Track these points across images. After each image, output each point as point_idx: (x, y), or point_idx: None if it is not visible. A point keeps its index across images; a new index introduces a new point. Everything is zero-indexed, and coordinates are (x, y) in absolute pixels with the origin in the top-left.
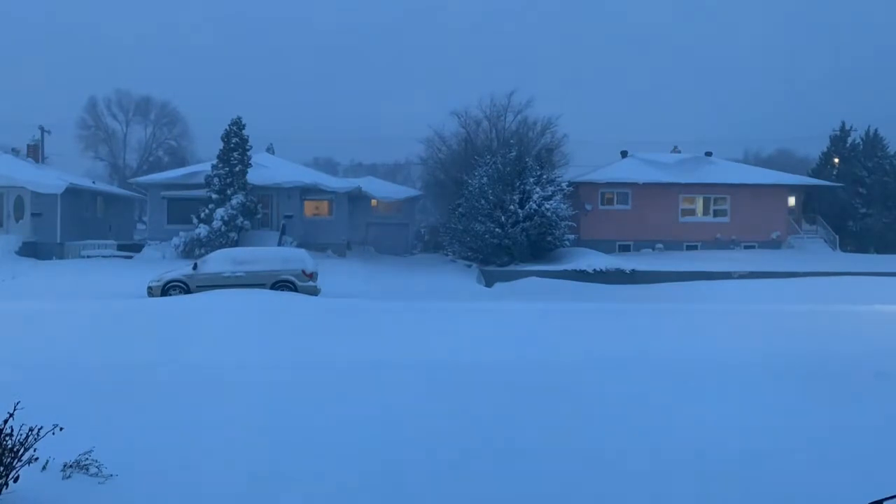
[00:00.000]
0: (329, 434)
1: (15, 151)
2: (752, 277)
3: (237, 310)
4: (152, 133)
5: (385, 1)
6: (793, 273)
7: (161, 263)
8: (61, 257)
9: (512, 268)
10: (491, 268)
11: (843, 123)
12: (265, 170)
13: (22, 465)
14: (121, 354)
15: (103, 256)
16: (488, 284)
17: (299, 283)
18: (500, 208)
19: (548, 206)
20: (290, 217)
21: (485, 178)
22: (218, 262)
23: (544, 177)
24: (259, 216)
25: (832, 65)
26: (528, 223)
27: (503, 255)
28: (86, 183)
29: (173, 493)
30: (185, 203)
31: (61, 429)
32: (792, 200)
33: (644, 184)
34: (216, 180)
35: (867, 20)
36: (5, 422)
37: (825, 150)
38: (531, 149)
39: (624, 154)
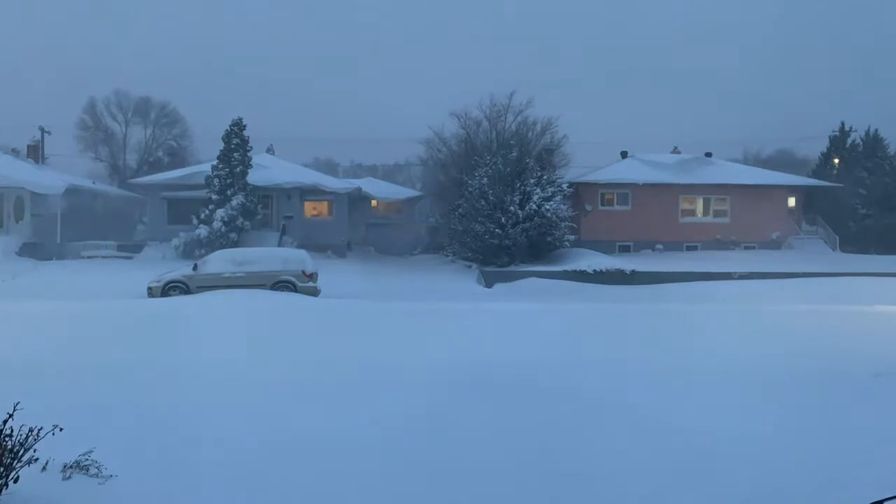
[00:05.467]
0: (329, 434)
1: (15, 152)
2: (752, 278)
3: (237, 310)
4: (152, 133)
5: (386, 1)
6: (793, 273)
7: (161, 264)
8: (61, 258)
9: (512, 268)
10: (491, 268)
11: (843, 124)
12: (265, 170)
13: (22, 466)
14: (121, 354)
15: (103, 257)
16: (488, 285)
17: (299, 284)
18: (500, 209)
19: (548, 207)
20: (290, 218)
21: (485, 179)
22: (218, 262)
23: (544, 177)
24: (259, 217)
25: (832, 65)
26: (527, 224)
27: (503, 255)
28: (86, 183)
29: (173, 493)
30: (185, 203)
31: (61, 429)
32: (792, 201)
33: (644, 184)
34: (216, 181)
35: (867, 20)
36: (5, 422)
37: (825, 150)
38: (531, 149)
39: (624, 154)
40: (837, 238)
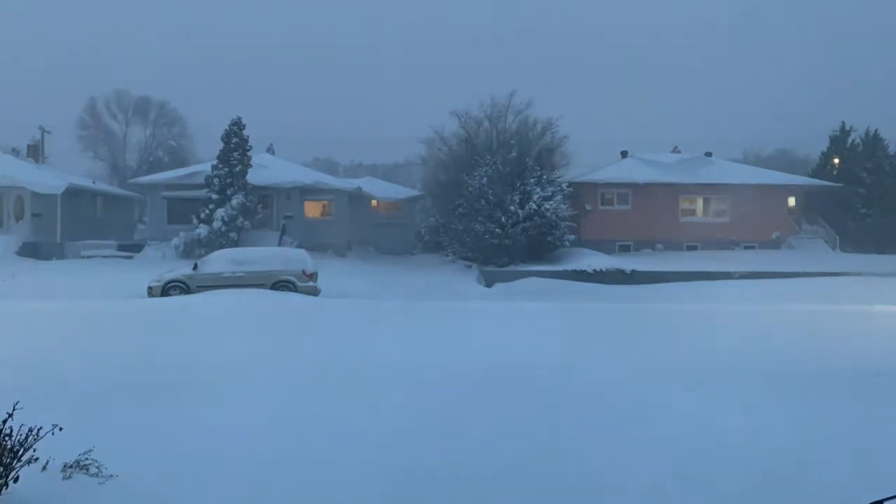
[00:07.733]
0: (330, 434)
1: (15, 151)
2: (752, 277)
3: (237, 310)
4: (152, 133)
5: (386, 1)
6: (793, 273)
7: (161, 263)
8: (61, 257)
9: (512, 268)
10: (491, 268)
11: (844, 124)
12: (265, 170)
13: (22, 466)
14: (121, 354)
15: (103, 256)
16: (488, 285)
17: (299, 284)
18: (500, 209)
19: (548, 207)
20: (290, 217)
21: (485, 179)
22: (218, 262)
23: (544, 177)
24: (259, 216)
25: (833, 64)
26: (528, 223)
27: (503, 255)
28: (86, 183)
29: (174, 493)
30: (185, 203)
31: (61, 429)
32: (792, 200)
33: (644, 184)
34: (216, 180)
35: (868, 20)
36: (4, 422)
37: (825, 150)
38: (531, 149)
39: (624, 154)
40: (837, 238)
